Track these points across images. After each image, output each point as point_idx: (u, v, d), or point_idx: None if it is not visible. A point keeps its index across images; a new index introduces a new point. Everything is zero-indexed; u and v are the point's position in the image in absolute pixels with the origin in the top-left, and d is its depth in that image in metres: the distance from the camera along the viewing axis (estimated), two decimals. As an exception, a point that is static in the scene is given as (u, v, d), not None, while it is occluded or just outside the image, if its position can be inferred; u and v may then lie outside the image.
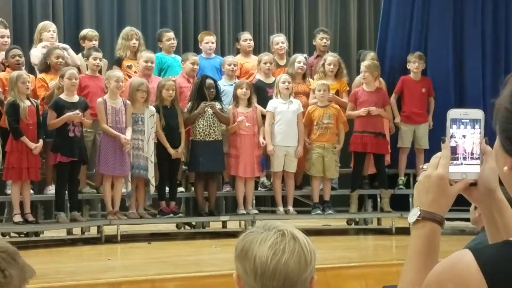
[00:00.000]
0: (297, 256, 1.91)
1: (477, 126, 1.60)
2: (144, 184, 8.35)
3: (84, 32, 9.08)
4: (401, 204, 9.10)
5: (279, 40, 9.63)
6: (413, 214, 1.58)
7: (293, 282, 1.91)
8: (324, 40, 9.69)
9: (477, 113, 1.61)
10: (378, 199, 9.17)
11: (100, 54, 8.50)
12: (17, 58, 8.05)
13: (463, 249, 1.33)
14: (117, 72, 8.33)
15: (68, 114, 7.70)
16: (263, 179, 9.19)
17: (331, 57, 9.24)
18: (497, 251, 1.30)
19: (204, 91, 8.42)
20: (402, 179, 9.37)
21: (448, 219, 1.63)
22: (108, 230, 8.14)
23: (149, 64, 8.62)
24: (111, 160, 8.01)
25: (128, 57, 8.88)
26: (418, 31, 9.84)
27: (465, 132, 1.60)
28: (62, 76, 7.81)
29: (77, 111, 7.76)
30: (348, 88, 9.31)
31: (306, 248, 1.94)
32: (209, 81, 8.49)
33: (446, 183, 1.56)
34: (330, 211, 8.91)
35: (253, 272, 1.91)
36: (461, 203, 1.69)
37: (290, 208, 8.82)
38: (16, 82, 7.55)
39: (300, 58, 9.13)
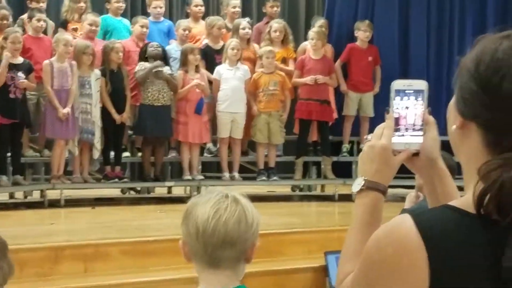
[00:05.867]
0: (237, 217, 1.98)
1: (420, 98, 1.62)
2: (89, 148, 8.28)
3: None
4: (345, 171, 9.22)
5: (236, 4, 9.59)
6: (357, 184, 1.60)
7: (232, 241, 1.97)
8: (275, 8, 9.68)
9: (421, 84, 1.64)
10: (322, 166, 9.26)
11: (43, 16, 8.33)
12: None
13: (405, 210, 1.36)
14: (66, 35, 8.17)
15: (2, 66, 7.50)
16: (209, 145, 9.18)
17: (277, 24, 9.22)
18: (436, 215, 1.33)
19: (147, 52, 8.34)
20: (346, 146, 9.47)
21: (390, 186, 1.66)
22: (52, 194, 8.07)
23: (94, 27, 8.49)
24: (58, 123, 7.90)
25: (75, 20, 8.72)
26: (365, -2, 9.90)
27: (409, 103, 1.62)
28: (5, 38, 7.65)
29: (20, 73, 7.61)
30: (294, 55, 9.32)
31: (248, 210, 2.01)
32: (153, 43, 8.39)
33: (390, 153, 1.59)
34: (275, 178, 8.98)
35: (195, 231, 1.98)
36: (402, 171, 1.72)
37: (236, 174, 8.85)
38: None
39: (244, 24, 9.07)
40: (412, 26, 9.96)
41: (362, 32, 9.34)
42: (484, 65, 1.34)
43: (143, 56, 8.41)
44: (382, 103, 9.02)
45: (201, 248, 1.98)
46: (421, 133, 1.62)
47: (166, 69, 8.41)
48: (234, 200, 2.00)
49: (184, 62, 8.56)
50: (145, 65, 8.35)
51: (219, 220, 1.96)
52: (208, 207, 1.98)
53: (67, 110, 7.90)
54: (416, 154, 1.62)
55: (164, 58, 8.48)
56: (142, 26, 8.77)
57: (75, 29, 8.70)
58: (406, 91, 1.62)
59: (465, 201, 1.34)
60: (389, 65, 9.63)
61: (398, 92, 1.62)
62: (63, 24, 8.74)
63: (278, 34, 9.13)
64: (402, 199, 4.89)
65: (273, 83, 8.82)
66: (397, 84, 1.63)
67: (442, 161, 1.65)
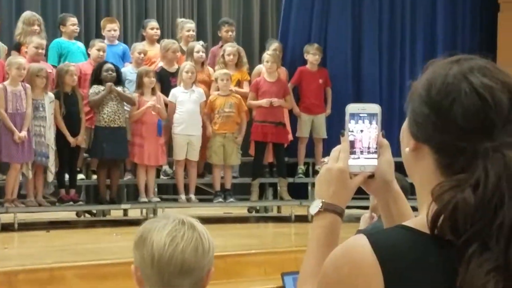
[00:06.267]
0: (194, 244, 1.93)
1: (374, 121, 1.66)
2: (43, 171, 8.19)
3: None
4: (301, 192, 9.29)
5: (191, 27, 9.62)
6: (315, 206, 1.62)
7: (189, 270, 1.93)
8: (230, 33, 9.74)
9: (374, 108, 1.67)
10: (278, 188, 9.31)
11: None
12: None
13: (359, 231, 1.39)
14: (19, 59, 8.09)
15: None
16: (165, 167, 9.16)
17: (230, 48, 9.27)
18: (391, 235, 1.36)
19: (101, 74, 8.32)
20: (301, 168, 9.54)
21: (345, 207, 1.70)
22: (5, 218, 7.95)
23: (40, 50, 8.42)
24: (14, 147, 7.81)
25: (28, 43, 8.65)
26: (318, 21, 10.03)
27: (363, 126, 1.66)
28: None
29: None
30: (249, 78, 9.39)
31: (204, 237, 1.97)
32: (107, 65, 8.40)
33: (347, 176, 1.62)
34: (231, 199, 8.99)
35: (150, 259, 1.93)
36: (357, 192, 1.76)
37: (192, 196, 8.84)
38: None
39: (198, 47, 9.08)
40: (364, 48, 10.11)
41: (312, 55, 9.45)
42: (435, 89, 1.37)
43: (97, 77, 8.37)
44: (334, 125, 9.25)
45: (156, 276, 1.93)
46: (375, 155, 1.65)
47: (119, 89, 8.40)
48: (191, 227, 1.96)
49: (139, 85, 8.56)
50: (99, 88, 8.33)
51: (176, 248, 1.92)
52: (164, 234, 1.93)
53: (23, 133, 7.82)
54: (371, 176, 1.65)
55: (119, 78, 8.46)
56: (99, 50, 8.76)
57: (29, 52, 8.62)
58: (360, 115, 1.66)
59: (419, 221, 1.36)
60: (342, 87, 9.77)
61: (352, 115, 1.66)
62: (16, 47, 8.67)
63: (231, 57, 9.19)
64: (357, 219, 4.94)
65: (229, 105, 8.87)
66: (351, 107, 1.67)
67: (396, 183, 1.68)
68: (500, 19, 10.54)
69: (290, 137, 9.39)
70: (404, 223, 1.39)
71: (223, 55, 9.21)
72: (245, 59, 9.42)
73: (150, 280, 1.96)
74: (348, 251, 1.35)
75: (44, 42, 8.52)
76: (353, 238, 1.37)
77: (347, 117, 1.66)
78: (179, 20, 10.10)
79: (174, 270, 1.92)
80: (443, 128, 1.36)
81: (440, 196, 1.32)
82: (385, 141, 1.66)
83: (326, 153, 1.69)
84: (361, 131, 1.65)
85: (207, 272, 1.99)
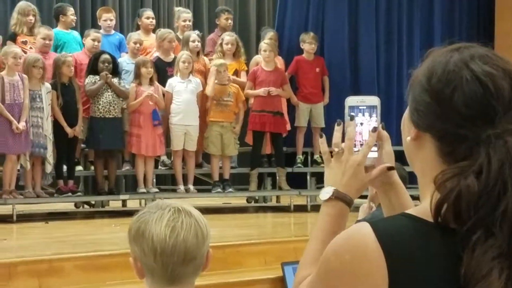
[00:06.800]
0: (194, 231, 1.94)
1: (373, 113, 1.66)
2: (41, 162, 8.18)
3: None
4: (300, 182, 9.28)
5: (187, 17, 9.58)
6: (326, 192, 1.62)
7: (192, 257, 1.94)
8: (230, 21, 9.71)
9: (374, 100, 1.67)
10: (277, 177, 9.30)
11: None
12: None
13: (359, 221, 1.39)
14: (14, 48, 8.07)
15: None
16: (164, 157, 9.15)
17: (228, 37, 9.24)
18: (394, 223, 1.36)
19: (98, 65, 8.30)
20: (300, 157, 9.54)
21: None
22: (3, 209, 7.95)
23: (47, 41, 8.43)
24: (11, 138, 7.79)
25: (24, 33, 8.64)
26: (315, 10, 10.01)
27: (363, 119, 1.66)
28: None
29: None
30: (246, 68, 9.36)
31: (201, 222, 1.97)
32: (104, 56, 8.37)
33: (362, 169, 1.62)
34: (230, 189, 8.98)
35: (152, 252, 1.92)
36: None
37: (191, 186, 8.84)
38: None
39: (193, 37, 9.04)
40: (361, 37, 10.10)
41: (308, 44, 9.44)
42: (436, 77, 1.38)
43: (94, 67, 8.36)
44: (332, 113, 9.23)
45: (160, 268, 1.93)
46: (376, 148, 1.65)
47: (115, 80, 8.38)
48: (188, 214, 1.96)
49: (137, 75, 8.54)
50: (95, 78, 8.32)
51: (177, 238, 1.91)
52: (163, 225, 1.92)
53: (22, 124, 7.80)
54: (391, 168, 1.65)
55: (116, 70, 8.44)
56: (93, 40, 8.74)
57: (25, 42, 8.60)
58: (360, 107, 1.66)
59: (421, 209, 1.36)
60: (339, 76, 9.76)
61: (351, 108, 1.65)
62: (12, 37, 8.64)
63: (230, 46, 9.16)
64: (356, 209, 4.94)
65: (228, 93, 8.85)
66: (351, 100, 1.67)
67: (397, 176, 1.69)
68: (498, 7, 10.53)
69: (288, 126, 9.38)
70: (406, 211, 1.39)
71: (221, 44, 9.18)
72: (242, 49, 9.39)
73: (153, 272, 1.96)
74: (350, 238, 1.35)
75: (51, 32, 8.53)
76: (356, 226, 1.37)
77: (346, 110, 1.65)
78: (176, 9, 10.06)
79: (178, 260, 1.93)
80: (445, 115, 1.36)
81: (443, 183, 1.32)
82: (385, 133, 1.67)
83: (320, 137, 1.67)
84: (361, 123, 1.65)
85: (207, 254, 2.00)
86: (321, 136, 1.66)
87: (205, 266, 2.02)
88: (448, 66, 1.37)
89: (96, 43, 8.73)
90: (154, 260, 1.93)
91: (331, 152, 1.66)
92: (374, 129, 1.64)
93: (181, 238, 1.92)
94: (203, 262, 2.00)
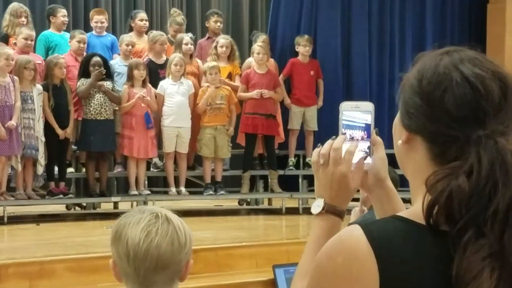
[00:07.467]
0: (170, 238, 1.91)
1: (366, 133, 1.65)
2: (32, 163, 8.16)
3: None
4: (292, 184, 9.29)
5: (180, 22, 9.56)
6: (317, 206, 1.62)
7: (165, 264, 1.91)
8: (218, 24, 9.70)
9: (368, 106, 1.67)
10: (269, 180, 9.30)
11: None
12: None
13: (351, 224, 1.39)
14: (7, 49, 8.04)
15: None
16: (155, 159, 9.14)
17: (223, 40, 9.25)
18: (385, 225, 1.36)
19: (88, 69, 8.29)
20: (292, 160, 9.54)
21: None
22: (-6, 211, 7.92)
23: (29, 41, 8.38)
24: (1, 140, 7.76)
25: (16, 35, 8.61)
26: (308, 14, 10.00)
27: (355, 134, 1.64)
28: None
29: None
30: (240, 72, 9.36)
31: (180, 230, 1.94)
32: (95, 59, 8.36)
33: (349, 180, 1.61)
34: (222, 192, 8.98)
35: (126, 255, 1.92)
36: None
37: (182, 188, 8.83)
38: None
39: (186, 39, 9.04)
40: (354, 40, 10.11)
41: (302, 47, 9.44)
42: (426, 79, 1.39)
43: (86, 70, 8.34)
44: (326, 117, 9.23)
45: (133, 272, 1.92)
46: (366, 155, 1.64)
47: (107, 84, 8.37)
48: (166, 220, 1.93)
49: (129, 77, 8.53)
50: (87, 81, 8.31)
51: (150, 243, 1.89)
52: (139, 230, 1.91)
53: (11, 122, 7.75)
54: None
55: (107, 71, 8.43)
56: (79, 42, 8.71)
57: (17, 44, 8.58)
58: (355, 123, 1.65)
59: (413, 212, 1.37)
60: (332, 79, 9.77)
61: (345, 125, 1.64)
62: (4, 39, 8.62)
63: (224, 49, 9.16)
64: (348, 212, 4.94)
65: (220, 97, 8.84)
66: (345, 105, 1.66)
67: (390, 181, 1.69)
68: (489, 10, 10.56)
69: (282, 135, 9.32)
70: (397, 214, 1.40)
71: (216, 47, 9.17)
72: (237, 53, 9.39)
73: (128, 276, 1.95)
74: (342, 241, 1.36)
75: (33, 33, 8.48)
76: (347, 228, 1.37)
77: (341, 115, 1.65)
78: (173, 10, 10.04)
79: (149, 266, 1.91)
80: (435, 117, 1.37)
81: (435, 185, 1.33)
82: (379, 139, 1.66)
83: (316, 146, 1.67)
84: (352, 138, 1.64)
85: (185, 264, 1.97)
86: (318, 146, 1.66)
87: (183, 277, 1.98)
88: (438, 68, 1.38)
89: (81, 44, 8.71)
90: (128, 264, 1.92)
91: None
92: (333, 138, 1.61)
93: (155, 243, 1.90)
94: (179, 271, 1.96)
